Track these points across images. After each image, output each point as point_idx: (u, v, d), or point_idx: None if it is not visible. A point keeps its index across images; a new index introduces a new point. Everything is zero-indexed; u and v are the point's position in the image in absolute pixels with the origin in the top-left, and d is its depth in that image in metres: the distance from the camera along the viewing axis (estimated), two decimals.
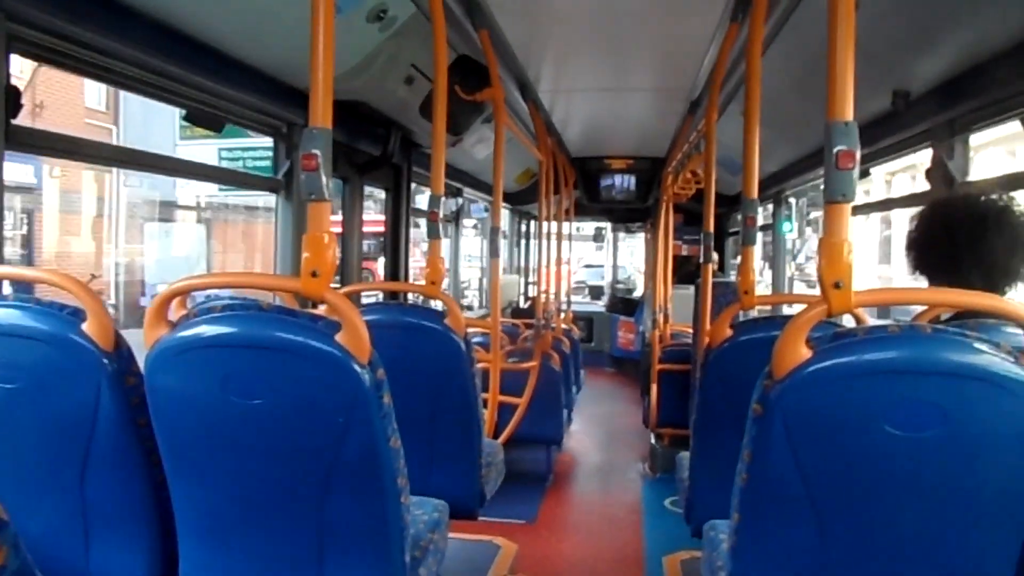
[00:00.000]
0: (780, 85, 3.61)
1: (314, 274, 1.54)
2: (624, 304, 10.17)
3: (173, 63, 2.42)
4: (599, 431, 6.74)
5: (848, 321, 2.07)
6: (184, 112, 2.78)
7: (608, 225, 11.35)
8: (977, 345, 1.28)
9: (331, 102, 1.56)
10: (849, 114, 1.35)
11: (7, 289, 1.99)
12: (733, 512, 1.47)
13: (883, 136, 3.33)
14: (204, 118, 2.84)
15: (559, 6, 3.37)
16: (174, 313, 1.65)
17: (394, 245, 4.64)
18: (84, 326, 1.59)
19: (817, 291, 1.39)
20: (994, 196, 1.81)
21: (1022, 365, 1.27)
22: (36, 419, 1.63)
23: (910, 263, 1.92)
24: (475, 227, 11.24)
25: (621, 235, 11.91)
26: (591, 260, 17.57)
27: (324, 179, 1.53)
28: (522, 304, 9.57)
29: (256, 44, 2.72)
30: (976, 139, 2.88)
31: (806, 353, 1.32)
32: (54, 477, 1.65)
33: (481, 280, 9.84)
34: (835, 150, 1.34)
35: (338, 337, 1.51)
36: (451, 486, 2.50)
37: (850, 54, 1.36)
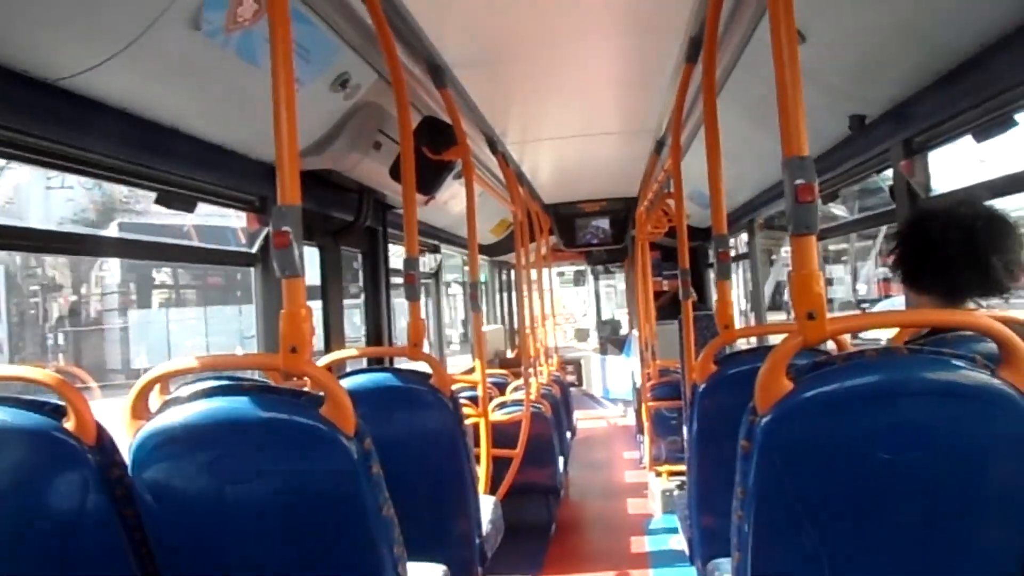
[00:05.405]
0: (740, 120, 3.69)
1: (293, 349, 1.54)
2: (612, 345, 10.19)
3: (142, 151, 2.43)
4: (598, 475, 6.67)
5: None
6: (155, 196, 2.79)
7: (587, 268, 11.43)
8: (954, 362, 1.29)
9: (298, 178, 1.57)
10: (804, 149, 1.38)
11: None
12: (733, 551, 1.46)
13: (844, 160, 3.40)
14: (176, 199, 2.84)
15: (518, 60, 3.44)
16: (155, 399, 1.63)
17: (375, 308, 4.63)
18: (65, 422, 1.57)
19: None
20: (984, 203, 1.86)
21: (998, 376, 1.29)
22: (20, 518, 1.59)
23: (901, 276, 1.93)
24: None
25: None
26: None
27: (297, 255, 1.54)
28: (509, 354, 9.55)
29: (223, 123, 2.74)
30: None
31: (787, 385, 1.33)
32: None
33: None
34: (794, 184, 1.37)
35: (322, 410, 1.50)
36: (451, 549, 2.45)
37: (799, 92, 1.39)
